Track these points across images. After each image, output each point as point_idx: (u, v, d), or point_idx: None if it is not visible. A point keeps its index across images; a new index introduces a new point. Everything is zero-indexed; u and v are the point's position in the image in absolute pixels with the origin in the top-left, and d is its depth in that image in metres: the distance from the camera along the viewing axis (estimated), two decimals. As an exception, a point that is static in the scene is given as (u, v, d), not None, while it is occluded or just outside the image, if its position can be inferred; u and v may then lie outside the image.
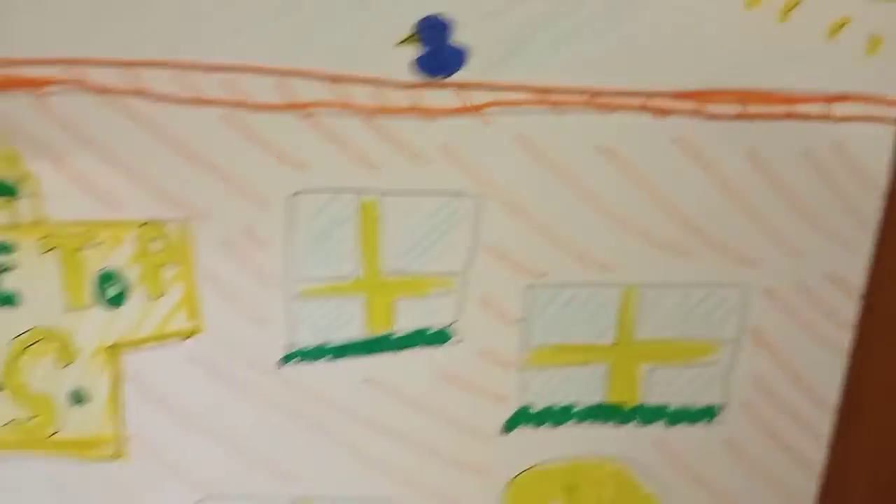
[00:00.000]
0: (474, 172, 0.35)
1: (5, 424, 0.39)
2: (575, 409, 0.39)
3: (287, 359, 0.38)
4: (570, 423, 0.39)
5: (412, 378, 0.38)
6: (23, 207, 0.36)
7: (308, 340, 0.38)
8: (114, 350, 0.38)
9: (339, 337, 0.38)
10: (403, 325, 0.37)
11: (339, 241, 0.36)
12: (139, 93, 0.34)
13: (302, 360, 0.38)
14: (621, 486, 0.40)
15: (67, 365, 0.38)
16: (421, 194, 0.35)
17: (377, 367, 0.38)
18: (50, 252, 0.36)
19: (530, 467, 0.39)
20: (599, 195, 0.35)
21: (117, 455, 0.39)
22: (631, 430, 0.39)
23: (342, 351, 0.38)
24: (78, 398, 0.38)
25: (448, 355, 0.38)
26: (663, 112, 0.34)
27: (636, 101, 0.34)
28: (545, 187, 0.35)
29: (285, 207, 0.36)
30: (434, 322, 0.37)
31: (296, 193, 0.35)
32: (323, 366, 0.38)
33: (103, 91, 0.34)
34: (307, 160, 0.35)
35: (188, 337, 0.37)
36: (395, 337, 0.38)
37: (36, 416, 0.39)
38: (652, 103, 0.34)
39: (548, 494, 0.40)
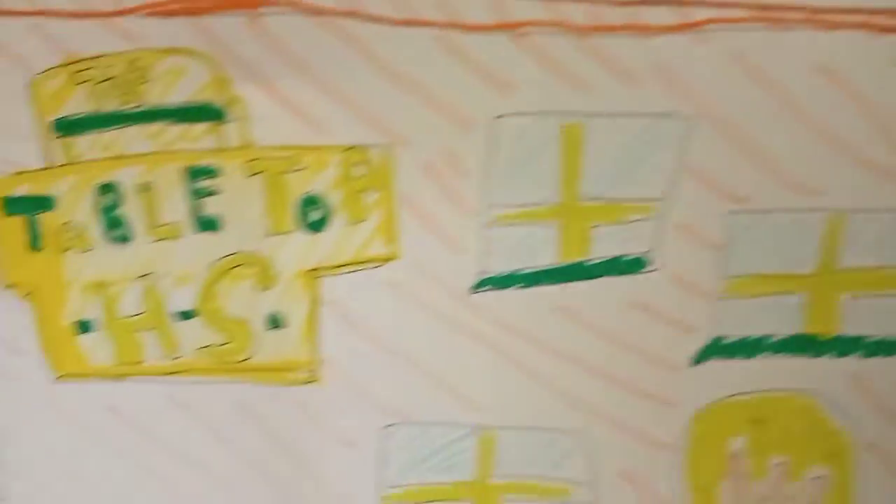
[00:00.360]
0: (686, 92, 0.34)
1: (199, 349, 0.40)
2: (769, 341, 0.38)
3: (478, 286, 0.38)
4: (762, 355, 0.38)
5: (603, 307, 0.38)
6: (230, 132, 0.36)
7: (500, 267, 0.38)
8: (313, 274, 0.38)
9: (531, 264, 0.38)
10: (598, 252, 0.37)
11: (539, 165, 0.36)
12: (352, 14, 0.34)
13: (493, 287, 0.38)
14: (810, 420, 0.39)
15: (266, 289, 0.39)
16: (628, 116, 0.35)
17: (568, 295, 0.38)
18: (255, 176, 0.37)
19: (718, 400, 0.39)
20: (814, 116, 0.34)
21: (311, 379, 0.40)
22: (825, 363, 0.38)
23: (533, 279, 0.38)
24: (275, 322, 0.39)
25: (642, 284, 0.37)
26: (885, 30, 0.33)
27: (857, 19, 0.33)
28: (759, 107, 0.34)
29: (487, 131, 0.36)
30: (630, 249, 0.37)
31: (499, 116, 0.35)
32: (513, 293, 0.38)
33: (317, 12, 0.34)
34: (514, 82, 0.35)
35: (385, 262, 0.38)
36: (588, 264, 0.37)
37: (230, 342, 0.40)
38: (874, 21, 0.33)
39: (734, 427, 0.40)
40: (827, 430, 0.39)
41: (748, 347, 0.38)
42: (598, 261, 0.37)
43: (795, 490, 0.40)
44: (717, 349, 0.38)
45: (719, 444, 0.40)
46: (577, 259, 0.37)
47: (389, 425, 0.40)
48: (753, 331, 0.38)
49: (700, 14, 0.33)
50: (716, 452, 0.40)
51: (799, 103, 0.34)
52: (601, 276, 0.37)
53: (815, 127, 0.34)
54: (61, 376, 0.41)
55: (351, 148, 0.36)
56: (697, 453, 0.40)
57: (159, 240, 0.38)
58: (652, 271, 0.37)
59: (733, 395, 0.39)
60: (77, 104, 0.36)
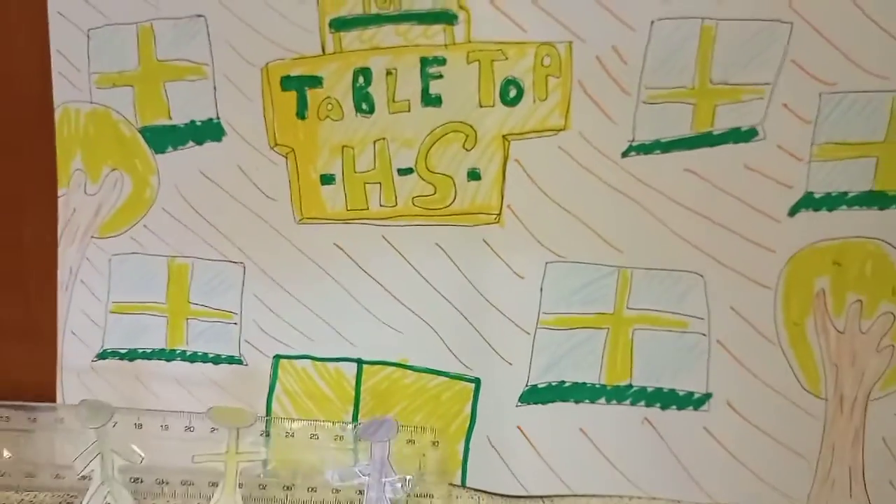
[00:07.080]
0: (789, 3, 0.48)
1: (413, 198, 0.53)
2: (848, 196, 0.50)
3: (627, 151, 0.51)
4: (842, 208, 0.50)
5: (722, 168, 0.50)
6: (457, 32, 0.50)
7: (646, 137, 0.51)
8: (505, 139, 0.51)
9: (669, 134, 0.51)
10: (721, 124, 0.50)
11: (683, 58, 0.49)
12: (556, -56, 0.48)
13: (638, 153, 0.51)
14: (878, 263, 0.51)
15: (469, 150, 0.52)
16: (748, 20, 0.48)
17: (696, 159, 0.51)
18: (472, 64, 0.51)
19: (808, 245, 0.51)
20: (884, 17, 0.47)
21: (495, 222, 0.53)
22: (892, 215, 0.50)
23: (671, 145, 0.51)
24: (474, 176, 0.52)
25: (752, 150, 0.50)
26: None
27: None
28: (846, 13, 0.47)
29: (645, 31, 0.49)
30: (744, 123, 0.50)
31: (653, 21, 0.49)
32: (654, 158, 0.51)
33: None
34: (667, -4, 0.50)
35: (559, 132, 0.51)
36: (714, 134, 0.50)
37: (438, 192, 0.53)
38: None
39: (820, 268, 0.51)
40: (893, 272, 0.51)
41: (831, 201, 0.50)
42: (720, 132, 0.50)
43: (868, 325, 0.51)
44: (807, 203, 0.50)
45: (807, 284, 0.51)
46: (705, 130, 0.50)
47: (549, 262, 0.53)
48: (836, 187, 0.50)
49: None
50: (804, 292, 0.52)
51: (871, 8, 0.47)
52: (721, 143, 0.50)
53: (885, 25, 0.47)
54: (303, 219, 0.55)
55: (543, 44, 0.50)
56: (790, 292, 0.52)
57: (394, 112, 0.52)
58: (761, 140, 0.50)
59: (820, 242, 0.51)
60: (350, 6, 0.51)
